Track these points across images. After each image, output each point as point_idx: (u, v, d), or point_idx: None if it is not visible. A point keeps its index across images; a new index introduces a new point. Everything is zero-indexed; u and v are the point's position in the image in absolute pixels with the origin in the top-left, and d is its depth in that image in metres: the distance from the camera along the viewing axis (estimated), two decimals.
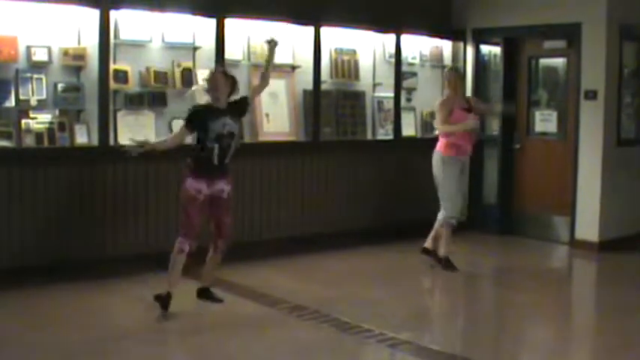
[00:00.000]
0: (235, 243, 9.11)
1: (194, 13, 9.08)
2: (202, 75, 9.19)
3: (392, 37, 10.92)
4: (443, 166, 9.27)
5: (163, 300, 7.26)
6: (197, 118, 7.30)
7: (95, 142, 8.46)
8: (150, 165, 8.82)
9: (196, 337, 6.77)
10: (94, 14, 8.36)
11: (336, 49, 10.52)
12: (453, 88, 9.39)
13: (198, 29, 9.24)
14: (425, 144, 11.42)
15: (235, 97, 7.57)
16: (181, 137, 7.41)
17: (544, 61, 11.45)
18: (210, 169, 7.32)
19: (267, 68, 7.83)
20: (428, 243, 9.49)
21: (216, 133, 7.24)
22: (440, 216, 9.37)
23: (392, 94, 11.01)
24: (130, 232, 8.76)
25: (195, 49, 9.26)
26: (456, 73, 9.60)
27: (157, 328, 6.96)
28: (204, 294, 7.71)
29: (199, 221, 7.39)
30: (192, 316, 7.33)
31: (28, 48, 8.17)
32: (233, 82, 7.52)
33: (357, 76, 10.78)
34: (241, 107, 7.61)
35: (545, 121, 11.19)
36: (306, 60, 10.06)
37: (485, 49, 11.80)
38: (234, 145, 7.43)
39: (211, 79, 7.42)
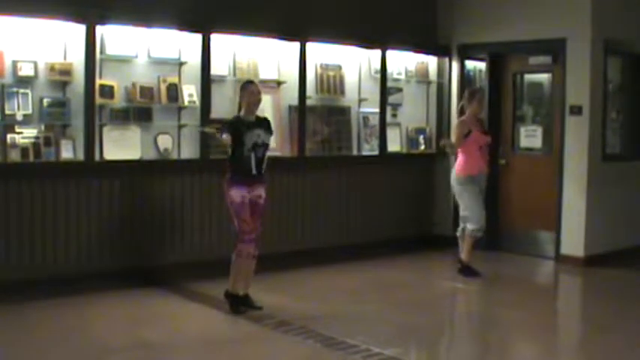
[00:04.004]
0: (220, 259, 9.12)
1: (180, 29, 9.08)
2: (188, 90, 9.23)
3: (377, 52, 10.95)
4: (459, 185, 9.69)
5: (232, 302, 7.87)
6: (233, 129, 7.74)
7: (81, 156, 8.45)
8: (136, 179, 8.82)
9: (180, 353, 6.74)
10: (80, 29, 8.36)
11: (321, 65, 10.55)
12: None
13: (184, 45, 9.24)
14: (410, 160, 11.52)
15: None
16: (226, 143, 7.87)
17: (529, 77, 11.50)
18: (249, 176, 7.79)
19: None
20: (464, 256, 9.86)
21: (252, 142, 7.72)
22: (458, 232, 9.92)
23: (377, 110, 11.03)
24: (117, 247, 8.74)
25: (181, 64, 9.27)
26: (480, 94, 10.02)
27: (140, 344, 6.92)
28: (243, 301, 7.94)
29: (253, 222, 7.83)
30: (177, 332, 7.30)
31: (14, 63, 8.17)
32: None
33: (342, 92, 10.80)
34: (268, 125, 8.03)
35: (530, 137, 11.22)
36: (292, 75, 10.07)
37: (470, 64, 11.84)
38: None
39: (254, 91, 7.89)
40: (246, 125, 7.75)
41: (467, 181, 9.64)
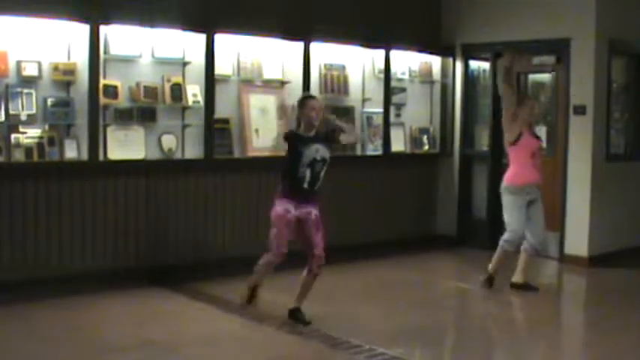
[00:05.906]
0: (223, 259, 9.13)
1: (184, 29, 9.09)
2: (192, 90, 9.23)
3: (381, 52, 10.95)
4: (503, 194, 9.18)
5: (249, 295, 7.53)
6: (293, 140, 7.40)
7: (85, 156, 8.45)
8: (139, 179, 8.82)
9: (183, 353, 6.75)
10: (84, 29, 8.36)
11: (325, 65, 10.54)
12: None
13: (188, 44, 9.24)
14: (414, 159, 11.51)
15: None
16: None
17: (533, 77, 11.50)
18: (299, 192, 7.38)
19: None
20: (517, 277, 9.28)
21: (310, 158, 7.32)
22: (524, 244, 9.26)
23: (381, 110, 11.03)
24: (121, 247, 8.75)
25: (185, 64, 9.26)
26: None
27: (144, 343, 6.93)
28: (293, 314, 7.61)
29: (287, 239, 7.36)
30: (181, 331, 7.32)
31: (18, 63, 8.17)
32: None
33: (346, 92, 10.80)
34: (329, 137, 7.59)
35: None
36: (296, 75, 10.07)
37: (474, 64, 11.84)
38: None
39: (315, 107, 7.40)
40: (304, 141, 7.36)
41: (510, 191, 9.12)
